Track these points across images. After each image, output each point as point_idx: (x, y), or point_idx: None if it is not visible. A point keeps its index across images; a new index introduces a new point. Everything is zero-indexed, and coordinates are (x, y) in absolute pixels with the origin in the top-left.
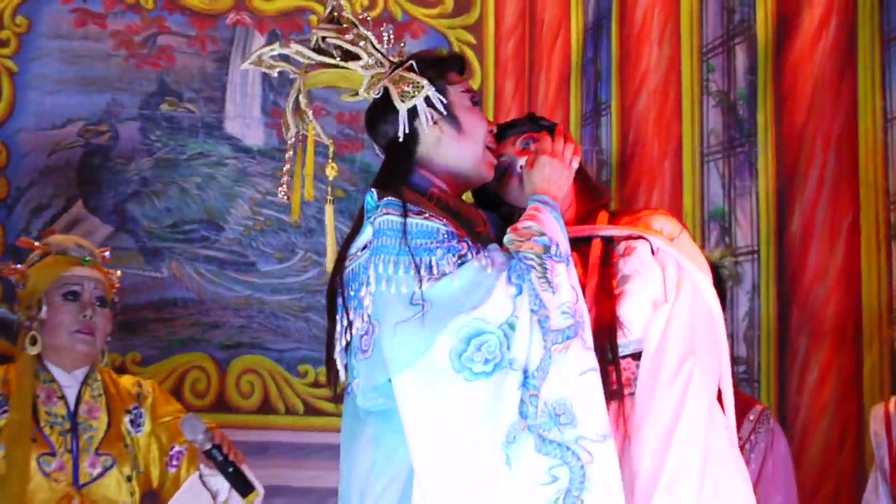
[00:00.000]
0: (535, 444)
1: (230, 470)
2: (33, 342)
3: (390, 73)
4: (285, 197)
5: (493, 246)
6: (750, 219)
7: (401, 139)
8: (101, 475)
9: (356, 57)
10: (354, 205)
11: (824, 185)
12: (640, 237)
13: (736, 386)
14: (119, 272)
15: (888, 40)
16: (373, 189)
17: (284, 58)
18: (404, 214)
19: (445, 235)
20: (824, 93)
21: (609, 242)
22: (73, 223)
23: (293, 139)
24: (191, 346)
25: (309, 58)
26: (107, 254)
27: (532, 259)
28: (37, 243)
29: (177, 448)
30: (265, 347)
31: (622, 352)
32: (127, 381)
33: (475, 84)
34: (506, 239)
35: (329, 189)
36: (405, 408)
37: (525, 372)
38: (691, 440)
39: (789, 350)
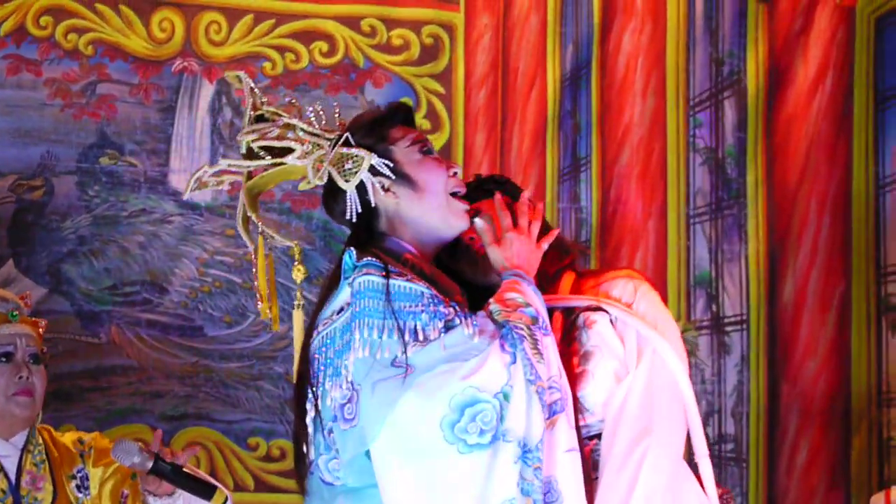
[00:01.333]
0: None
1: (184, 478)
2: None
3: (330, 153)
4: (266, 315)
5: (481, 313)
6: (739, 286)
7: (355, 220)
8: None
9: (289, 150)
10: (310, 264)
11: (818, 252)
12: (598, 308)
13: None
14: (44, 321)
15: (882, 100)
16: (351, 248)
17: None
18: (386, 275)
19: (430, 299)
20: (819, 152)
21: (570, 314)
22: (3, 284)
23: (254, 255)
24: (131, 417)
25: (243, 167)
26: (26, 300)
27: (523, 329)
28: None
29: (125, 493)
30: (212, 419)
31: (589, 432)
32: (68, 439)
33: (443, 137)
34: (492, 308)
35: (298, 293)
36: (387, 478)
37: (524, 446)
38: None
39: (779, 428)
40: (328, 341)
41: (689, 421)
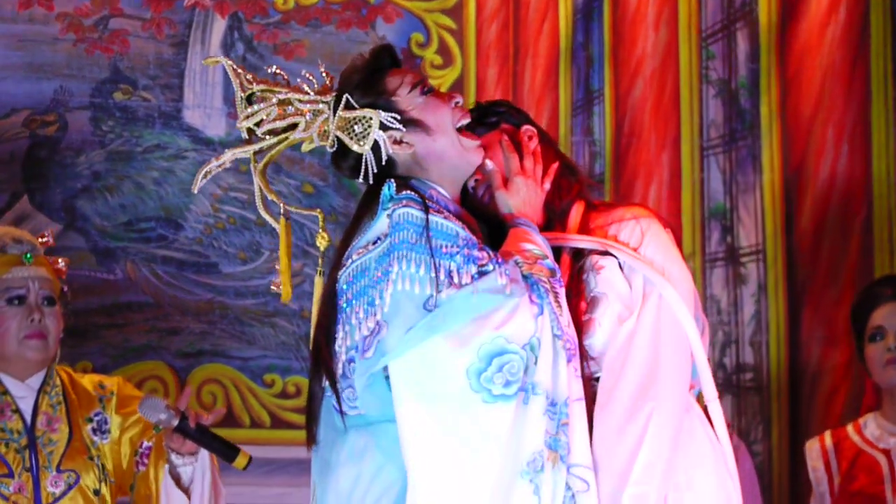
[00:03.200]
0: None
1: (209, 438)
2: None
3: (333, 117)
4: (282, 292)
5: (511, 262)
6: (754, 216)
7: (371, 181)
8: (64, 493)
9: (293, 125)
10: (324, 201)
11: (836, 180)
12: (606, 252)
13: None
14: (64, 259)
15: None
16: (390, 180)
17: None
18: (426, 210)
19: (465, 241)
20: (834, 82)
21: (578, 258)
22: (17, 221)
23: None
24: (147, 354)
25: (249, 151)
26: (46, 239)
27: (546, 282)
28: None
29: (146, 444)
30: (228, 355)
31: (591, 375)
32: (89, 382)
33: (455, 72)
34: (517, 259)
35: (320, 261)
36: (408, 425)
37: (552, 400)
38: (645, 482)
39: (801, 356)
40: (361, 271)
41: (697, 366)
